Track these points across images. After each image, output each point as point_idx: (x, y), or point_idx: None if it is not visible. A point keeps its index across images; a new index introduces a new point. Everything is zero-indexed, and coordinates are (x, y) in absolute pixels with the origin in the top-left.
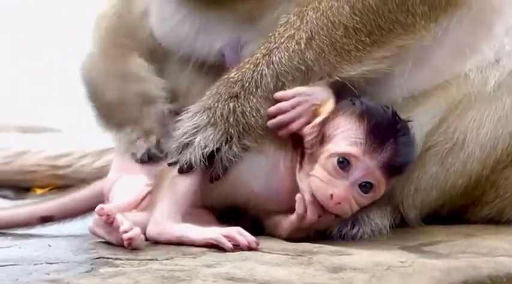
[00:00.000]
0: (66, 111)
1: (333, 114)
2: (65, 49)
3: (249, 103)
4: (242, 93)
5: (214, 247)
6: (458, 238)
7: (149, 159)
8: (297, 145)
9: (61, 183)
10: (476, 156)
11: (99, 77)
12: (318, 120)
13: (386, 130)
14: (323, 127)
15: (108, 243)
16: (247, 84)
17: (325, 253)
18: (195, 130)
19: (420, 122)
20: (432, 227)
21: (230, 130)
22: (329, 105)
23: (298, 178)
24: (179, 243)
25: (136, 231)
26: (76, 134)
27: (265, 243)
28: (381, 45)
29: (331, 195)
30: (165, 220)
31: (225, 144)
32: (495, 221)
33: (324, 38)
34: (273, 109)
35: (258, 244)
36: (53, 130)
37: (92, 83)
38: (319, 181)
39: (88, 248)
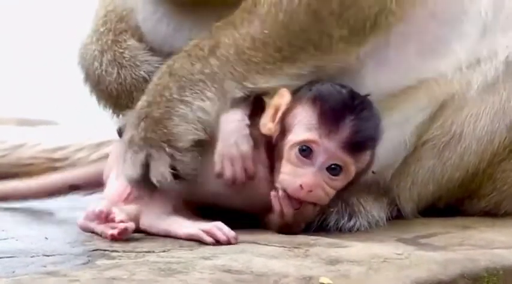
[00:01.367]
0: (63, 104)
1: (291, 105)
2: (62, 42)
3: (164, 115)
4: (150, 110)
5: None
6: (455, 230)
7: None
8: (268, 149)
9: None
10: (473, 149)
11: (93, 63)
12: (278, 115)
13: (340, 110)
14: (283, 121)
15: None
16: (151, 98)
17: (322, 245)
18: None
19: (406, 115)
20: (429, 220)
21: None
22: (286, 97)
23: (275, 178)
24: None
25: (131, 224)
26: (73, 127)
27: (262, 235)
28: (293, 62)
29: (301, 185)
30: (155, 213)
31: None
32: (492, 214)
33: (229, 47)
34: (227, 184)
35: (236, 239)
36: (50, 123)
37: (85, 69)
38: (286, 176)
39: (85, 241)
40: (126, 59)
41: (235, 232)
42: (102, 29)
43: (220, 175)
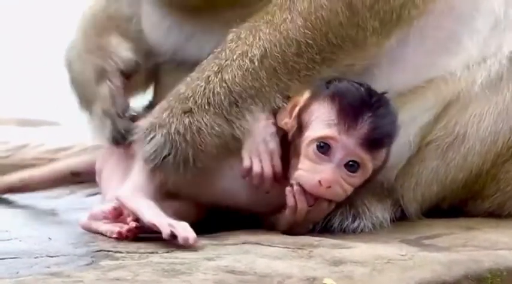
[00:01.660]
0: (65, 105)
1: (309, 101)
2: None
3: (203, 119)
4: (196, 109)
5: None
6: (458, 231)
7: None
8: (284, 145)
9: None
10: (477, 150)
11: (73, 57)
12: (296, 111)
13: (358, 107)
14: (300, 117)
15: (108, 236)
16: (199, 100)
17: (326, 246)
18: (153, 155)
19: (413, 115)
20: (433, 221)
21: (187, 150)
22: (305, 94)
23: (290, 175)
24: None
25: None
26: (75, 128)
27: (265, 236)
28: (330, 65)
29: (319, 181)
30: (135, 191)
31: (183, 170)
32: (496, 215)
33: (277, 55)
34: (254, 181)
35: (196, 241)
36: (53, 124)
37: (67, 64)
38: (304, 173)
39: (88, 241)
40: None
41: (238, 232)
42: (90, 31)
43: (248, 170)
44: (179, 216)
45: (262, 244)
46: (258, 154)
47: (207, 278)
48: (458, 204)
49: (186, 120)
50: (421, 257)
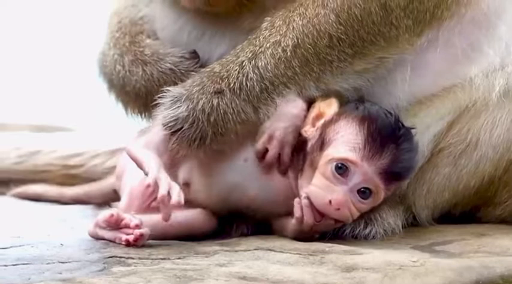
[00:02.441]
0: (78, 111)
1: (336, 117)
2: (77, 48)
3: (231, 104)
4: (227, 91)
5: None
6: (470, 237)
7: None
8: (299, 150)
9: (73, 183)
10: (489, 157)
11: (115, 67)
12: (320, 122)
13: (386, 136)
14: (324, 131)
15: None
16: (233, 83)
17: (337, 253)
18: (173, 123)
19: (427, 123)
20: (444, 227)
21: (207, 130)
22: (333, 107)
23: (299, 184)
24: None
25: (146, 230)
26: (88, 134)
27: (277, 242)
28: (361, 57)
29: (330, 201)
30: (145, 146)
31: (197, 146)
32: (507, 221)
33: (309, 46)
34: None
35: (180, 201)
36: (65, 130)
37: (107, 77)
38: (317, 189)
39: (100, 248)
40: (148, 55)
41: (250, 239)
42: (117, 35)
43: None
44: (190, 225)
45: (274, 250)
46: (272, 135)
47: None
48: (470, 211)
49: (215, 101)
50: (433, 264)
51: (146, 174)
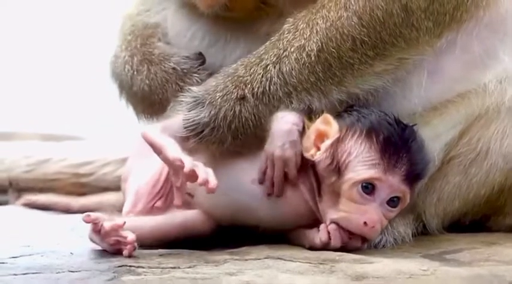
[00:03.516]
0: (88, 119)
1: (341, 136)
2: (88, 57)
3: (253, 110)
4: (250, 97)
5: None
6: (480, 246)
7: None
8: (305, 166)
9: (83, 191)
10: (500, 167)
11: (124, 67)
12: (326, 144)
13: (397, 142)
14: (335, 154)
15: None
16: (256, 88)
17: (348, 261)
18: (193, 127)
19: (439, 132)
20: (454, 236)
21: (226, 135)
22: (334, 125)
23: (321, 210)
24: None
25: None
26: (98, 142)
27: (287, 251)
28: (382, 59)
29: (365, 222)
30: (163, 130)
31: (215, 149)
32: None
33: (333, 50)
34: (266, 185)
35: (214, 187)
36: (75, 139)
37: (118, 78)
38: (348, 215)
39: (110, 257)
40: (155, 55)
41: (260, 247)
42: (130, 37)
43: (262, 173)
44: (190, 226)
45: (284, 259)
46: (273, 158)
47: None
48: (480, 219)
49: (237, 108)
50: (443, 272)
51: (163, 159)
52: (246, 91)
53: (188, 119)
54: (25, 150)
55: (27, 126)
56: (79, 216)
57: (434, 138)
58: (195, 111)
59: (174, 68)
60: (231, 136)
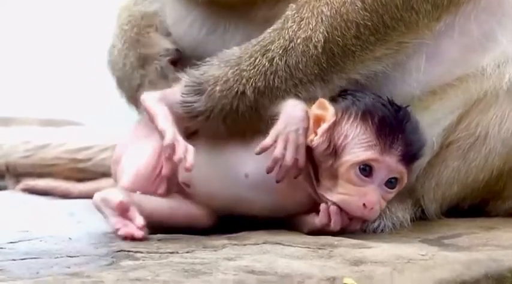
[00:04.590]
0: (87, 105)
1: (337, 120)
2: (86, 42)
3: (252, 103)
4: (251, 93)
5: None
6: (479, 231)
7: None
8: (307, 160)
9: (81, 177)
10: (498, 151)
11: (116, 57)
12: (323, 128)
13: (392, 123)
14: (331, 137)
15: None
16: (259, 83)
17: (346, 246)
18: (189, 110)
19: (438, 117)
20: (453, 221)
21: (220, 126)
22: (330, 109)
23: (320, 195)
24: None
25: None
26: (97, 128)
27: (286, 236)
28: (383, 44)
29: (364, 205)
30: (160, 99)
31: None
32: None
33: (338, 39)
34: (269, 164)
35: (190, 166)
36: (74, 124)
37: (112, 66)
38: (346, 197)
39: (108, 242)
40: (146, 47)
41: (259, 232)
42: (126, 27)
43: (266, 149)
44: (191, 219)
45: (283, 244)
46: (286, 140)
47: (227, 278)
48: (479, 204)
49: (235, 103)
50: (442, 257)
51: (155, 128)
52: (247, 87)
53: (185, 102)
54: (23, 135)
55: (26, 111)
56: (78, 201)
57: (433, 123)
58: (193, 97)
59: (156, 68)
60: (224, 126)
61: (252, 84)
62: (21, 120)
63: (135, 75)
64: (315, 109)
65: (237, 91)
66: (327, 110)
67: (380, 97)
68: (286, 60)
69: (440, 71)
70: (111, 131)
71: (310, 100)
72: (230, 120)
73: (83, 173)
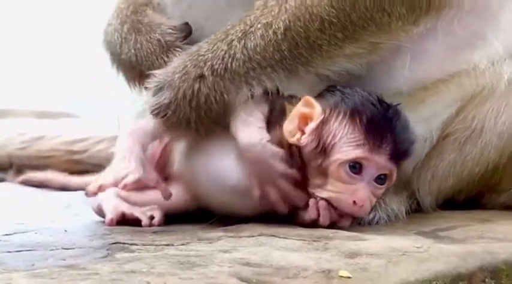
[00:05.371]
0: (82, 97)
1: (324, 118)
2: (82, 35)
3: (214, 86)
4: (210, 75)
5: None
6: (474, 223)
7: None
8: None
9: (77, 168)
10: (494, 144)
11: (114, 35)
12: (311, 127)
13: (380, 122)
14: (320, 136)
15: (123, 228)
16: (216, 65)
17: (341, 238)
18: (157, 111)
19: (436, 110)
20: (448, 213)
21: (190, 114)
22: (317, 107)
23: (310, 193)
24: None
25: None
26: (92, 120)
27: (281, 229)
28: (352, 42)
29: (354, 202)
30: (134, 131)
31: (184, 130)
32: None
33: (300, 30)
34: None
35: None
36: (70, 116)
37: (108, 45)
38: (336, 195)
39: (104, 234)
40: (143, 24)
41: (254, 225)
42: (122, 6)
43: (263, 198)
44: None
45: (278, 236)
46: (271, 183)
47: (222, 270)
48: (474, 197)
49: (196, 86)
50: (437, 249)
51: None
52: (205, 69)
53: (152, 104)
54: (20, 127)
55: (22, 103)
56: (74, 194)
57: (430, 117)
58: (157, 96)
59: (158, 40)
60: (194, 114)
61: (209, 66)
62: (17, 112)
63: (127, 47)
64: (301, 107)
65: (195, 74)
66: (313, 108)
67: (369, 95)
68: (244, 43)
69: (427, 67)
70: (106, 123)
71: (293, 99)
72: (195, 104)
73: (78, 165)
